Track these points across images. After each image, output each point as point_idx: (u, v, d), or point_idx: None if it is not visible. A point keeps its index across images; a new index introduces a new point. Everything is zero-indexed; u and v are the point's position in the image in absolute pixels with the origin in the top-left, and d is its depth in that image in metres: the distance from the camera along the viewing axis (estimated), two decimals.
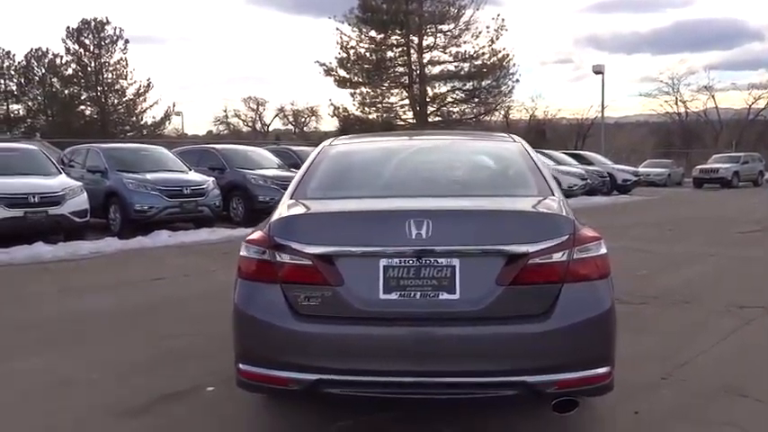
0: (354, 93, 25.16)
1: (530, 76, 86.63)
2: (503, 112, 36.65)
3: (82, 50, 42.74)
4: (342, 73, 24.08)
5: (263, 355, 2.62)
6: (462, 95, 30.87)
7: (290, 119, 60.18)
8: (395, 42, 27.18)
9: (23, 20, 68.20)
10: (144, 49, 77.80)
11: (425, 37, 28.69)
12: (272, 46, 71.96)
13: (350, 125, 24.89)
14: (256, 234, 2.78)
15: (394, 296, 2.55)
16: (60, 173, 10.41)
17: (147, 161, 11.92)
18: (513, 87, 33.93)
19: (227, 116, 57.72)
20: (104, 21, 42.90)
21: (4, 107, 45.00)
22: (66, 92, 43.14)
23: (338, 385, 2.57)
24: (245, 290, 2.70)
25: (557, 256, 2.57)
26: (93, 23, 42.74)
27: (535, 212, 2.81)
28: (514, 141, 3.73)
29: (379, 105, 25.01)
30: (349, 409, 3.12)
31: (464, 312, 2.54)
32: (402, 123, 25.84)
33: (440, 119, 29.80)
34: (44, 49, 43.57)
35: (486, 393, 2.56)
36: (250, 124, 60.04)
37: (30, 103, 45.01)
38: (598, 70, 31.63)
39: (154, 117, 44.44)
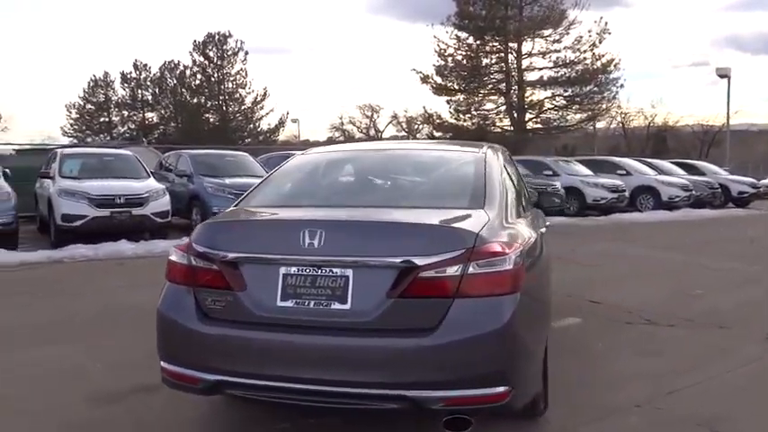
0: (450, 100, 25.10)
1: (659, 80, 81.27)
2: (614, 118, 34.91)
3: (206, 62, 46.04)
4: (438, 80, 24.17)
5: (176, 354, 2.80)
6: (563, 102, 29.78)
7: (404, 126, 60.85)
8: (492, 49, 26.81)
9: (158, 34, 74.60)
10: (271, 58, 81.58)
11: (524, 42, 28.12)
12: (390, 53, 72.79)
13: (444, 132, 24.88)
14: (185, 240, 2.98)
15: (290, 304, 2.63)
16: (149, 177, 11.30)
17: (230, 166, 12.51)
18: (616, 93, 32.28)
19: (342, 123, 59.12)
20: (227, 34, 46.03)
21: (141, 115, 49.43)
22: (195, 101, 46.60)
23: (238, 387, 2.69)
24: (168, 292, 2.88)
25: (450, 271, 2.52)
26: (216, 37, 45.97)
27: (430, 225, 2.72)
28: (479, 152, 3.61)
29: (475, 113, 24.73)
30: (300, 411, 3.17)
31: (353, 323, 2.55)
32: (498, 131, 25.30)
33: (539, 126, 28.92)
34: (176, 62, 47.43)
35: (370, 405, 2.57)
36: (364, 131, 61.21)
37: (162, 112, 49.12)
38: (723, 74, 29.20)
39: (269, 124, 46.93)
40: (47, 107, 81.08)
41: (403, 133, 60.52)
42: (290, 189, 3.47)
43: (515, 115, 28.31)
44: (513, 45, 30.46)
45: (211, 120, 47.21)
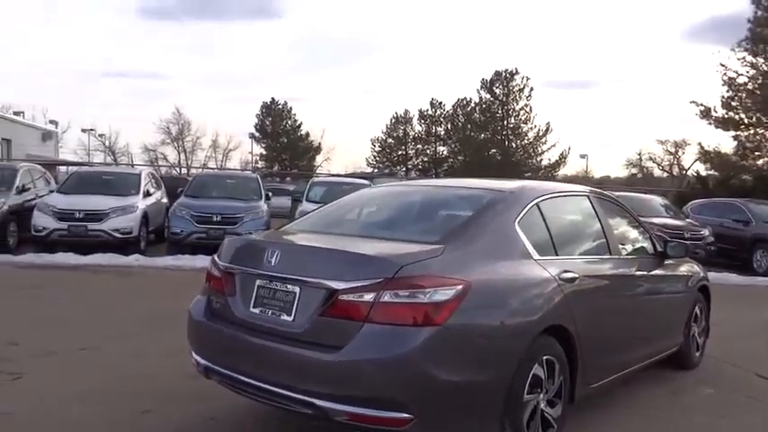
0: (738, 135, 21.76)
1: None
2: None
3: (492, 98, 48.09)
4: (722, 113, 20.95)
5: (191, 342, 3.47)
6: None
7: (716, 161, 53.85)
8: None
9: (453, 72, 79.90)
10: (574, 93, 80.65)
11: None
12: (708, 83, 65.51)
13: (725, 171, 21.68)
14: None
15: (257, 311, 3.08)
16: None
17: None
18: None
19: (640, 159, 54.80)
20: (514, 71, 47.53)
21: (433, 148, 53.68)
22: (481, 136, 48.99)
23: (215, 374, 3.22)
24: (199, 294, 3.58)
25: (365, 296, 2.70)
26: (503, 74, 47.75)
27: (356, 254, 2.90)
28: (500, 193, 3.60)
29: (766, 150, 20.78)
30: None
31: (290, 333, 2.87)
32: None
33: None
34: (468, 99, 50.59)
35: (290, 407, 2.86)
36: (665, 168, 55.87)
37: (452, 146, 52.66)
38: None
39: (549, 159, 46.79)
40: (359, 141, 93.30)
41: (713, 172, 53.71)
42: (317, 217, 3.94)
43: None
44: None
45: (494, 154, 48.92)
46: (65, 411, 3.70)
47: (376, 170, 49.45)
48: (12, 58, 69.99)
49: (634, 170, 53.91)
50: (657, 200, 15.12)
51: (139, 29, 76.56)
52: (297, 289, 2.94)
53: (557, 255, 3.51)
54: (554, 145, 47.16)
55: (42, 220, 10.72)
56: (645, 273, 4.27)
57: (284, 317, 2.96)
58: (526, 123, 47.59)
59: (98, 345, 5.21)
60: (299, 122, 54.56)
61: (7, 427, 3.47)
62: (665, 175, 54.12)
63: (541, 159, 47.87)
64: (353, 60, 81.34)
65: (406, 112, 54.03)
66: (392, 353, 2.62)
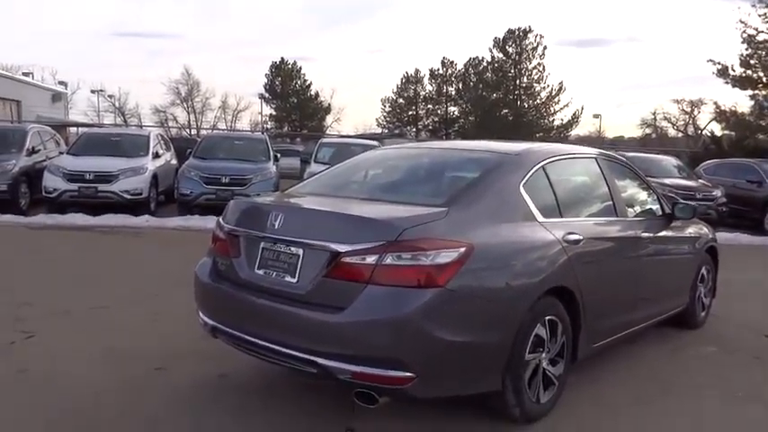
0: (755, 94, 21.29)
1: None
2: None
3: (504, 58, 47.31)
4: (740, 71, 20.44)
5: (198, 303, 3.52)
6: None
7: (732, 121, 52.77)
8: None
9: (465, 31, 78.49)
10: (588, 51, 78.86)
11: None
12: (727, 41, 63.83)
13: (741, 131, 21.33)
14: None
15: (261, 272, 3.12)
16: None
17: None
18: None
19: (655, 119, 54.00)
20: (527, 29, 46.62)
21: (444, 109, 53.19)
22: (493, 96, 48.40)
23: (222, 334, 3.28)
24: (205, 257, 3.61)
25: (368, 259, 2.72)
26: (516, 32, 46.84)
27: (359, 217, 2.93)
28: (507, 155, 3.60)
29: None
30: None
31: (294, 294, 2.91)
32: None
33: None
34: (480, 58, 49.82)
35: (294, 366, 2.92)
36: (680, 128, 55.03)
37: (463, 106, 52.13)
38: None
39: (562, 119, 46.23)
40: (370, 101, 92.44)
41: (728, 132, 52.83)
42: (323, 179, 3.94)
43: None
44: None
45: (506, 114, 48.41)
46: (77, 369, 3.79)
47: (386, 131, 49.17)
48: (20, 19, 69.53)
49: (648, 130, 53.17)
50: (670, 160, 14.97)
51: None
52: (300, 251, 2.97)
53: (562, 217, 3.51)
54: (567, 105, 46.67)
55: (53, 182, 10.83)
56: (651, 234, 4.26)
57: (288, 278, 2.99)
58: (539, 83, 46.96)
59: (108, 304, 5.31)
60: (308, 82, 54.16)
61: (22, 384, 3.57)
62: (680, 135, 53.38)
63: (554, 120, 47.43)
64: (364, 19, 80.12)
65: (417, 71, 53.48)
66: (394, 313, 2.66)
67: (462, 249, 2.79)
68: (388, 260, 2.71)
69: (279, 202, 3.37)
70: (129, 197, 11.00)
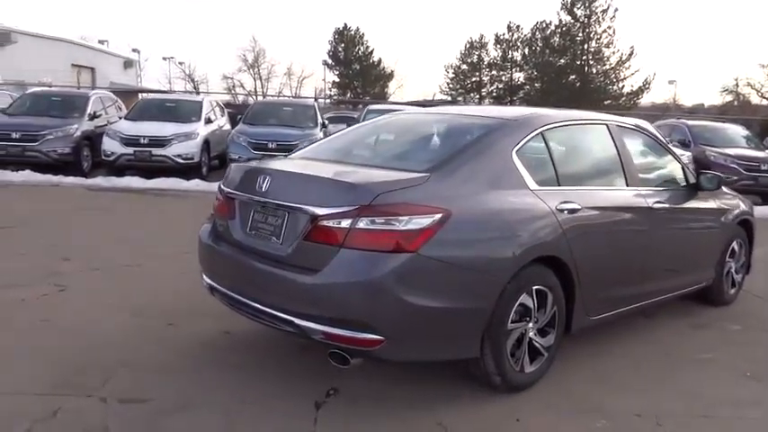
0: None
1: None
2: None
3: (572, 21, 45.46)
4: None
5: (200, 263, 3.65)
6: None
7: None
8: None
9: None
10: (659, 12, 74.42)
11: None
12: None
13: None
14: None
15: (252, 233, 3.23)
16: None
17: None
18: None
19: (737, 85, 50.44)
20: None
21: (509, 75, 51.86)
22: (561, 61, 46.74)
23: (217, 292, 3.41)
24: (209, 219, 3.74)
25: (343, 222, 2.76)
26: None
27: (337, 181, 2.95)
28: (504, 120, 3.51)
29: None
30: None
31: (277, 255, 2.99)
32: None
33: None
34: (547, 22, 48.08)
35: (275, 325, 3.01)
36: (766, 94, 51.25)
37: (529, 72, 50.62)
38: None
39: (632, 86, 44.21)
40: (433, 67, 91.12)
41: None
42: (325, 144, 3.99)
43: None
44: None
45: (573, 80, 46.74)
46: (97, 321, 4.05)
47: (447, 97, 48.47)
48: None
49: (729, 97, 49.96)
50: (737, 130, 14.16)
51: None
52: (285, 214, 3.04)
53: (559, 185, 3.43)
54: (638, 70, 44.54)
55: (111, 146, 11.38)
56: (667, 205, 4.09)
57: (274, 240, 3.08)
58: (608, 47, 44.88)
59: (143, 262, 5.60)
60: (371, 49, 53.79)
61: (44, 332, 3.85)
62: (764, 102, 49.97)
63: (623, 86, 45.36)
64: None
65: (482, 36, 52.10)
66: (364, 276, 2.70)
67: (438, 216, 2.79)
68: (362, 224, 2.74)
69: (270, 166, 3.45)
70: (181, 161, 11.44)
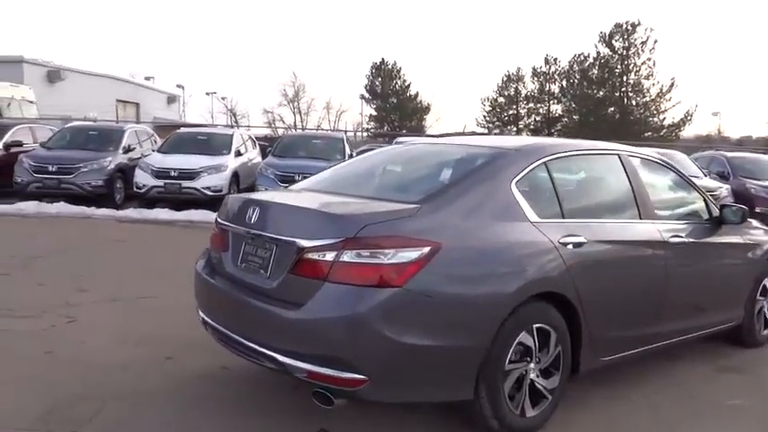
0: None
1: None
2: None
3: (611, 53, 45.07)
4: None
5: (196, 297, 3.58)
6: None
7: None
8: None
9: (569, 27, 75.42)
10: (701, 43, 73.15)
11: None
12: None
13: None
14: None
15: (242, 266, 3.15)
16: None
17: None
18: None
19: None
20: (636, 23, 44.13)
21: (546, 107, 51.56)
22: (599, 93, 46.27)
23: (209, 327, 3.32)
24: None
25: (328, 255, 2.66)
26: (624, 26, 44.49)
27: (323, 213, 2.90)
28: (502, 150, 3.40)
29: None
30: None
31: (264, 289, 2.91)
32: None
33: None
34: (585, 54, 47.81)
35: (258, 362, 2.90)
36: None
37: (567, 105, 50.25)
38: None
39: (673, 118, 43.35)
40: (468, 101, 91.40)
41: None
42: (325, 176, 3.89)
43: None
44: None
45: (612, 112, 46.13)
46: (98, 353, 4.03)
47: (484, 130, 48.36)
48: (145, 27, 75.18)
49: None
50: None
51: None
52: (274, 246, 2.97)
53: (563, 218, 3.27)
54: (679, 102, 43.77)
55: (142, 178, 11.65)
56: (687, 239, 3.88)
57: (262, 272, 3.01)
58: (648, 79, 44.26)
59: (160, 294, 5.59)
60: (408, 83, 54.33)
61: (44, 364, 3.84)
62: None
63: (664, 118, 44.52)
64: (463, 17, 79.09)
65: (518, 69, 52.10)
66: (345, 312, 2.59)
67: (426, 249, 2.67)
68: (346, 257, 2.65)
69: (261, 197, 3.40)
70: (209, 193, 11.57)
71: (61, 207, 11.08)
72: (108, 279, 6.16)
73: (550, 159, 3.37)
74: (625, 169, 3.76)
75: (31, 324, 4.57)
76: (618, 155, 3.83)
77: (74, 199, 11.41)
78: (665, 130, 43.16)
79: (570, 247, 3.15)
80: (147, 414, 3.19)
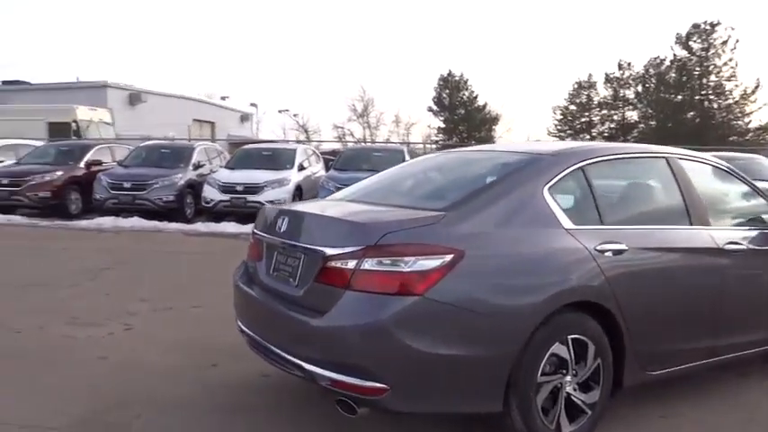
0: None
1: None
2: None
3: (689, 55, 43.13)
4: None
5: (234, 306, 3.64)
6: None
7: None
8: None
9: (642, 30, 72.65)
10: None
11: None
12: None
13: None
14: None
15: (274, 274, 3.19)
16: None
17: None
18: None
19: None
20: (715, 23, 42.08)
21: (621, 114, 49.88)
22: (678, 98, 44.36)
23: (245, 335, 3.37)
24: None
25: (350, 263, 2.65)
26: (702, 26, 42.51)
27: (342, 221, 2.90)
28: (535, 156, 3.29)
29: None
30: None
31: (292, 297, 2.93)
32: None
33: None
34: (661, 57, 46.02)
35: (287, 369, 2.90)
36: None
37: (643, 110, 48.42)
38: None
39: (760, 120, 40.93)
40: (540, 110, 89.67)
41: None
42: (360, 185, 3.90)
43: None
44: None
45: (691, 117, 44.07)
46: (148, 360, 4.18)
47: (556, 139, 47.22)
48: (222, 49, 78.46)
49: None
50: None
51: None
52: (302, 255, 2.99)
53: (602, 224, 3.13)
54: (765, 104, 41.12)
55: (210, 193, 12.11)
56: (746, 246, 3.62)
57: (291, 281, 3.03)
58: (730, 80, 41.99)
59: (216, 303, 5.72)
60: (475, 94, 53.94)
61: (96, 369, 4.01)
62: None
63: (749, 121, 42.08)
64: (531, 25, 77.87)
65: (590, 76, 50.75)
66: (365, 320, 2.57)
67: (448, 257, 2.62)
68: (367, 265, 2.63)
69: (292, 207, 3.43)
70: None
71: (135, 222, 11.64)
72: (167, 289, 6.38)
73: (588, 164, 3.24)
74: (673, 173, 3.56)
75: (91, 331, 4.80)
76: (665, 158, 3.63)
77: (147, 214, 11.97)
78: (751, 134, 40.77)
79: (609, 254, 3.00)
80: (182, 419, 3.27)
